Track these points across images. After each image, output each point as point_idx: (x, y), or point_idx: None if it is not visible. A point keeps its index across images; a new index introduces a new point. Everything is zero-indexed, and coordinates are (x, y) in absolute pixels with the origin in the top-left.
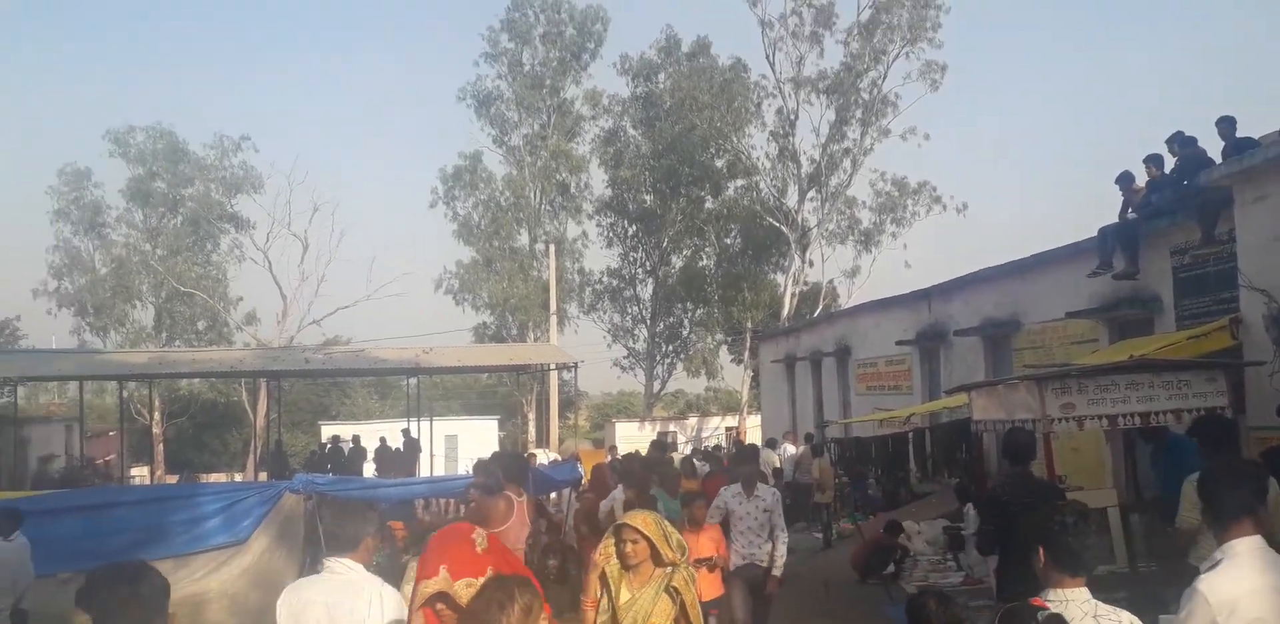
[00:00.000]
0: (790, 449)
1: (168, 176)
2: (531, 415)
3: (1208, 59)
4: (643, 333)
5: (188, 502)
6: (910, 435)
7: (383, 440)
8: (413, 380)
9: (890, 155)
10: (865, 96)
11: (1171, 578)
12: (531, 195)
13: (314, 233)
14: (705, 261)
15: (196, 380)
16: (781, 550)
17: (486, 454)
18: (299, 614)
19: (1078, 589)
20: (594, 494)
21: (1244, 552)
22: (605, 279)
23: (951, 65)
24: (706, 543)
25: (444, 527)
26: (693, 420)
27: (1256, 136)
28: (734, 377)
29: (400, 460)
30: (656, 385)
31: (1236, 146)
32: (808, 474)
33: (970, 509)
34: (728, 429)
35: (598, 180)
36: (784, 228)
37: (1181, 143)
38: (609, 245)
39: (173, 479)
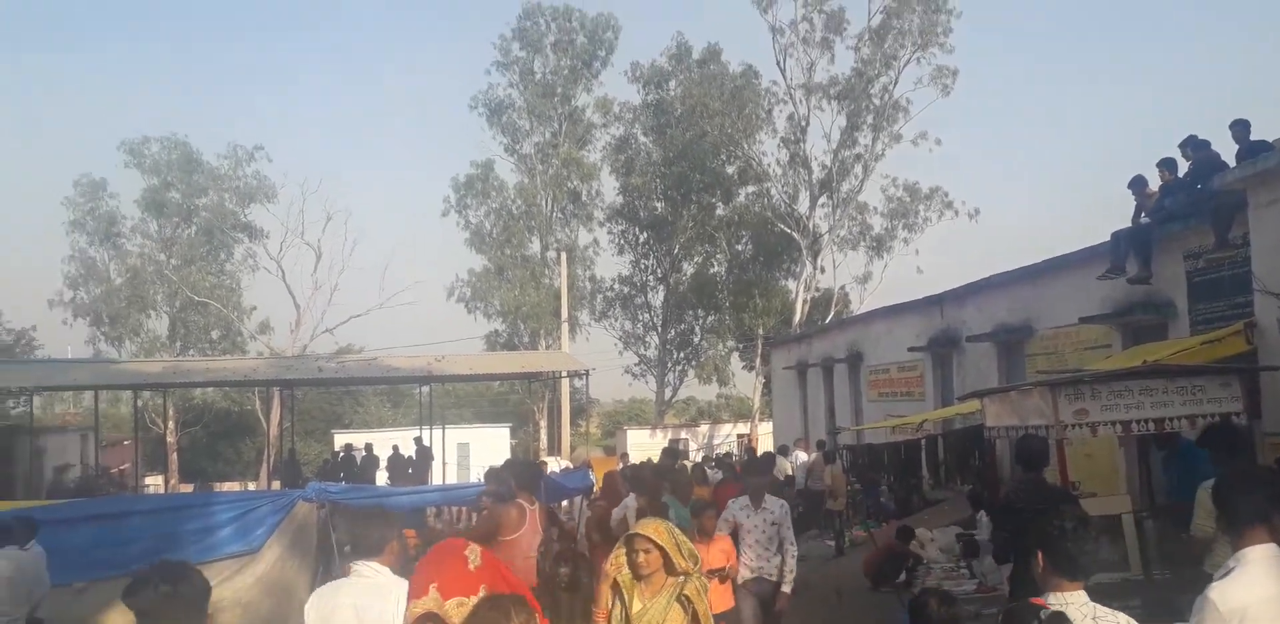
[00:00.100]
0: (802, 456)
1: (182, 187)
2: (543, 423)
3: (1221, 62)
4: (654, 340)
5: (201, 510)
6: (923, 442)
7: (395, 449)
8: (425, 388)
9: (902, 160)
10: (876, 102)
11: (1186, 585)
12: (543, 203)
13: (327, 242)
14: (716, 268)
15: (210, 389)
16: (791, 564)
17: (498, 462)
18: (328, 617)
19: (1076, 593)
20: (606, 502)
21: (1257, 559)
22: (616, 286)
23: (963, 70)
24: (717, 554)
25: (437, 543)
26: (704, 428)
27: (1270, 139)
28: (745, 383)
29: (413, 468)
30: (668, 392)
31: (1250, 150)
32: (820, 481)
33: (983, 516)
34: (739, 436)
35: (609, 188)
36: (795, 234)
37: (1195, 146)
38: (620, 252)
39: (187, 488)
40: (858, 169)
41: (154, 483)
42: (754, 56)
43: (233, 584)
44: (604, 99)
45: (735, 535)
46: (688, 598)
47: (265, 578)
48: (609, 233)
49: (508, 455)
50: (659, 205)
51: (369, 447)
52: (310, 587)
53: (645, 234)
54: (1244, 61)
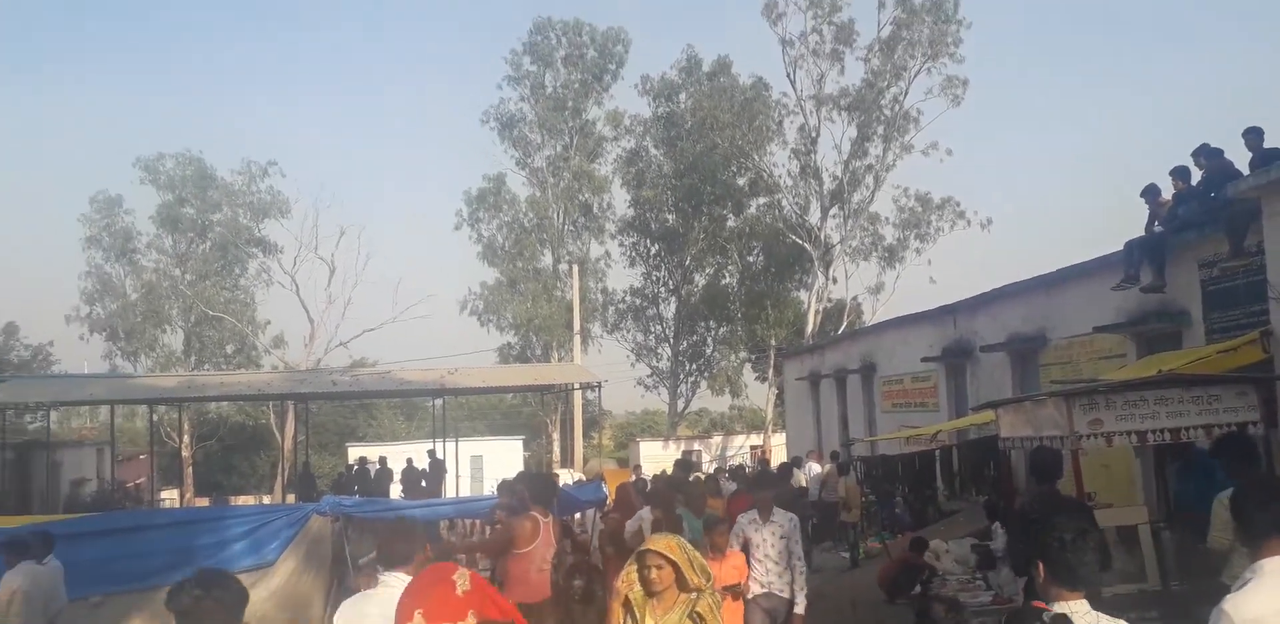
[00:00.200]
0: (815, 468)
1: (197, 202)
2: (556, 435)
3: (1235, 69)
4: (666, 352)
5: (215, 524)
6: (937, 453)
7: (409, 462)
8: (438, 401)
9: (913, 171)
10: (887, 113)
11: (1204, 597)
12: (554, 216)
13: (340, 256)
14: (728, 280)
15: (225, 403)
16: (801, 582)
17: (511, 475)
18: None
19: (1078, 602)
20: (619, 514)
21: (1274, 571)
22: (628, 298)
23: (973, 80)
24: (730, 571)
25: (425, 567)
26: (717, 439)
27: None
28: (758, 395)
29: (426, 481)
30: (680, 404)
31: (1264, 157)
32: (833, 493)
33: (998, 527)
34: (752, 448)
35: (620, 200)
36: (807, 245)
37: (1208, 155)
38: (631, 265)
39: (202, 502)
40: (869, 180)
41: (169, 497)
42: (764, 69)
43: None
44: (615, 112)
45: (745, 550)
46: (700, 615)
47: (280, 592)
48: (620, 245)
49: (521, 468)
50: (670, 217)
51: (383, 460)
52: (325, 600)
53: (657, 246)
54: (1258, 69)
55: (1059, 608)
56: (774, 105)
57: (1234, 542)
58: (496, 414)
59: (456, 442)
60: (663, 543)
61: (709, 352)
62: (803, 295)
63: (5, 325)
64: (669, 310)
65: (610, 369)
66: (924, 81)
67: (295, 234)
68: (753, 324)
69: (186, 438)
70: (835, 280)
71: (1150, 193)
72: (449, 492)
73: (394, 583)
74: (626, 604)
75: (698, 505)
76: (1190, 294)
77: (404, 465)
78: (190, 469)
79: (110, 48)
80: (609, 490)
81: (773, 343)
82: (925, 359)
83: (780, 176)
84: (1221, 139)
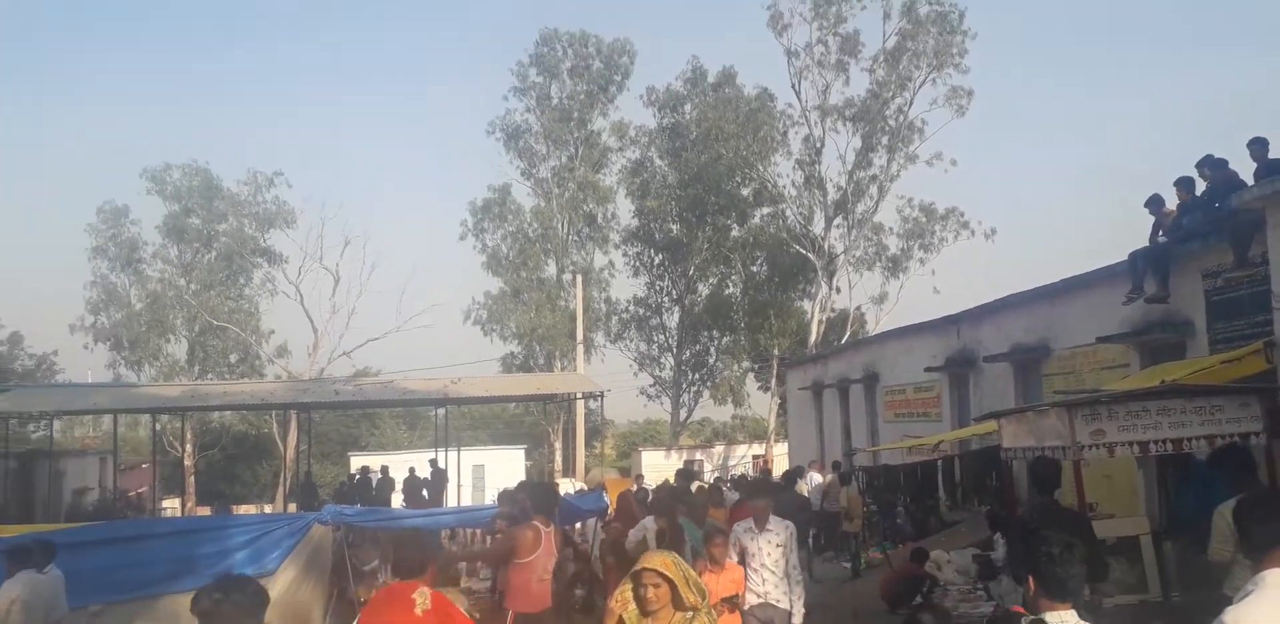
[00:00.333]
0: (817, 478)
1: (203, 213)
2: (558, 444)
3: (1241, 78)
4: (669, 361)
5: (216, 534)
6: (939, 463)
7: (411, 471)
8: (441, 411)
9: (917, 181)
10: (891, 123)
11: (1205, 608)
12: (559, 226)
13: (345, 266)
14: (732, 289)
15: (228, 413)
16: (799, 591)
17: (513, 484)
18: None
19: (1068, 612)
20: (620, 524)
21: (1275, 583)
22: (632, 308)
23: (978, 90)
24: (727, 584)
25: (384, 587)
26: (719, 449)
27: None
28: (761, 404)
29: (428, 490)
30: (683, 413)
31: (1269, 168)
32: (835, 503)
33: (1000, 537)
34: (755, 457)
35: (624, 210)
36: (810, 255)
37: (1212, 165)
38: (635, 274)
39: (204, 511)
40: (873, 190)
41: (171, 506)
42: (769, 79)
43: None
44: (620, 123)
45: (741, 559)
46: None
47: (280, 601)
48: (624, 255)
49: (522, 477)
50: (674, 227)
51: (385, 469)
52: (325, 610)
53: (660, 256)
54: (1262, 77)
55: (1052, 619)
56: (779, 116)
57: (1235, 554)
58: (499, 423)
59: (459, 451)
60: (659, 560)
61: (712, 361)
62: (806, 305)
63: (10, 335)
64: (672, 320)
65: (613, 379)
66: (929, 92)
67: (300, 244)
68: (756, 334)
69: (189, 447)
70: (839, 290)
71: (1154, 203)
72: (451, 501)
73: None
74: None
75: (699, 515)
76: (1194, 304)
77: (406, 475)
78: (192, 478)
79: (118, 58)
80: (610, 500)
81: (776, 352)
82: (928, 369)
83: (784, 187)
84: (1228, 148)
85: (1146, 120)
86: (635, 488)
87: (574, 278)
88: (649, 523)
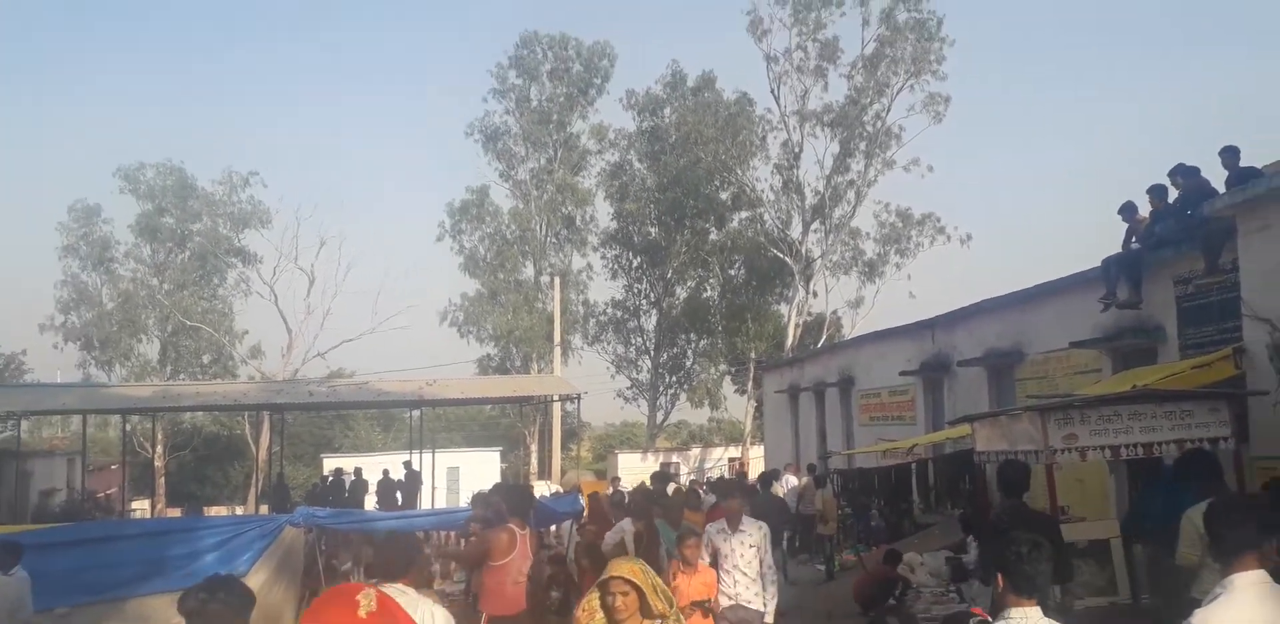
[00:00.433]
0: (793, 480)
1: (176, 212)
2: (534, 447)
3: (1213, 88)
4: (646, 364)
5: (186, 535)
6: (914, 466)
7: (385, 473)
8: (416, 412)
9: (894, 186)
10: (869, 129)
11: (1174, 610)
12: (537, 228)
13: (320, 267)
14: (709, 293)
15: (200, 414)
16: (772, 592)
17: (488, 486)
18: None
19: (1032, 608)
20: (595, 527)
21: (1243, 586)
22: (609, 310)
23: (955, 97)
24: (699, 587)
25: (330, 588)
26: (696, 451)
27: (1259, 166)
28: (737, 407)
29: (402, 493)
30: (660, 416)
31: (1240, 176)
32: (811, 505)
33: (973, 540)
34: (731, 460)
35: (603, 213)
36: (788, 259)
37: (1184, 174)
38: (613, 277)
39: (174, 512)
40: (850, 195)
41: (141, 507)
42: (748, 84)
43: None
44: (599, 126)
45: (714, 560)
46: None
47: None
48: (603, 257)
49: (497, 479)
50: (653, 230)
51: (358, 471)
52: (297, 612)
53: (639, 259)
54: (1250, 82)
55: (1018, 614)
56: (757, 120)
57: (1202, 557)
58: (475, 425)
59: (433, 453)
60: (626, 568)
61: (689, 364)
62: (783, 309)
63: None
64: (650, 323)
65: (590, 381)
66: (906, 98)
67: (275, 244)
68: (733, 337)
69: (160, 448)
70: (815, 294)
71: (1128, 210)
72: (425, 503)
73: (393, 593)
74: None
75: (674, 517)
76: (1165, 310)
77: (380, 477)
78: (163, 479)
79: (92, 56)
80: (586, 502)
81: (752, 356)
82: (903, 373)
83: (763, 191)
84: (1209, 152)
85: (1124, 126)
86: (611, 490)
87: (552, 280)
88: (626, 525)
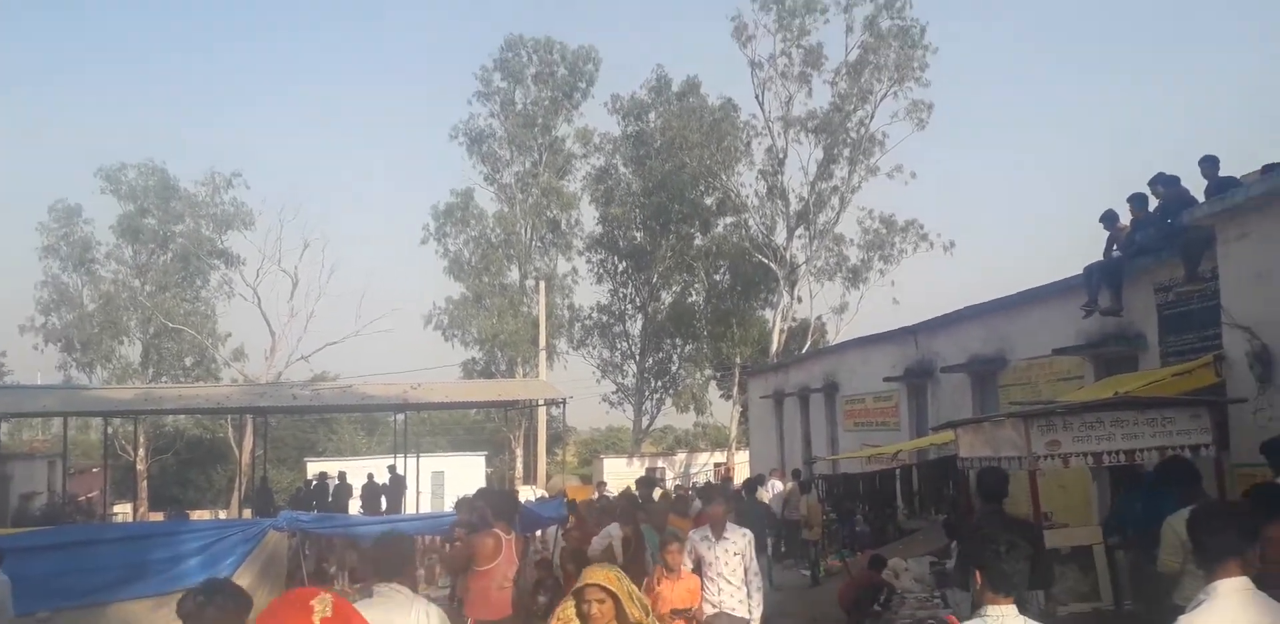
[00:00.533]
0: (778, 485)
1: (158, 213)
2: (519, 451)
3: (1194, 97)
4: (632, 368)
5: (169, 540)
6: (898, 472)
7: (370, 477)
8: (400, 416)
9: (877, 193)
10: (853, 135)
11: (1156, 616)
12: (522, 232)
13: (304, 269)
14: (694, 298)
15: (182, 417)
16: (758, 599)
17: (472, 491)
18: None
19: (1008, 606)
20: (579, 532)
21: (1226, 593)
22: (595, 315)
23: (938, 104)
24: (683, 593)
25: (285, 592)
26: (681, 456)
27: (1238, 175)
28: (723, 412)
29: (386, 497)
30: (645, 421)
31: (1219, 185)
32: (795, 511)
33: (956, 545)
34: (716, 465)
35: (588, 217)
36: (772, 264)
37: (1164, 182)
38: (599, 281)
39: (156, 516)
40: (834, 201)
41: (122, 511)
42: (733, 90)
43: None
44: (584, 130)
45: (698, 567)
46: None
47: None
48: (588, 262)
49: (482, 484)
50: (638, 235)
51: (342, 475)
52: None
53: (624, 263)
54: (1217, 97)
55: (994, 611)
56: (742, 126)
57: (1183, 564)
58: (460, 429)
59: (418, 457)
60: (601, 575)
61: (674, 369)
62: (768, 314)
63: None
64: (635, 327)
65: (575, 385)
66: (890, 105)
67: (259, 246)
68: (718, 342)
69: (142, 451)
70: (800, 300)
71: (1109, 219)
72: (409, 508)
73: (387, 592)
74: None
75: (659, 522)
76: (1147, 318)
77: (364, 481)
78: (145, 483)
79: (73, 55)
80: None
81: (738, 361)
82: (887, 379)
83: (747, 197)
84: (1178, 164)
85: (1106, 134)
86: (597, 495)
87: (537, 284)
88: (614, 530)
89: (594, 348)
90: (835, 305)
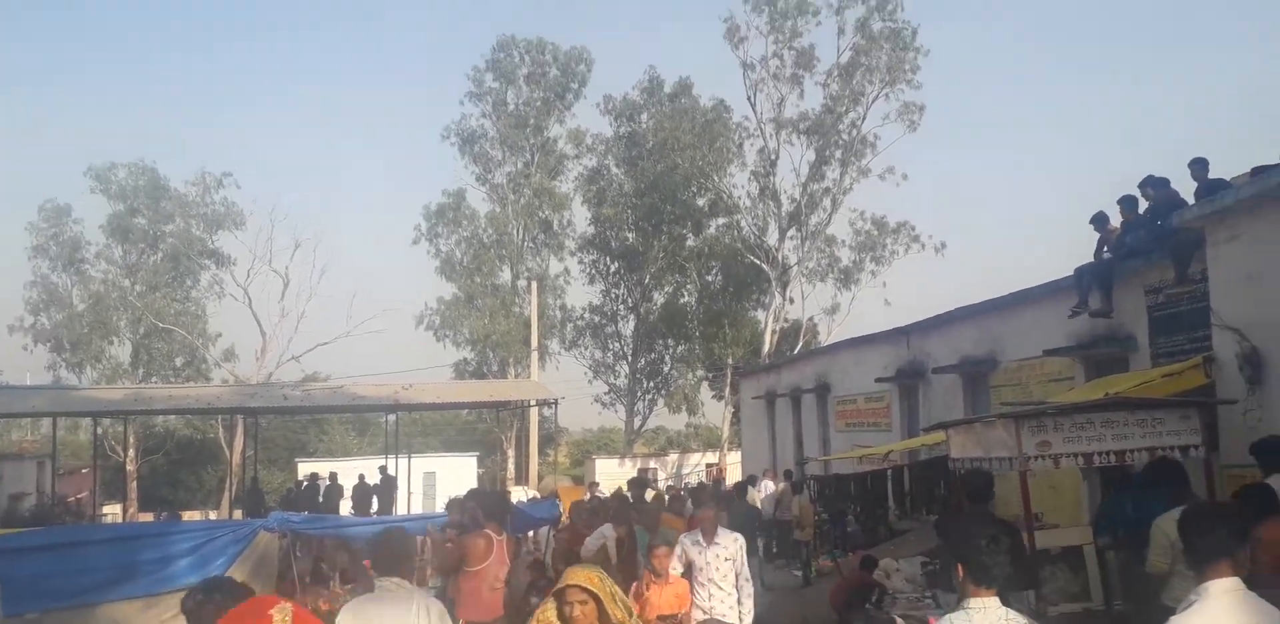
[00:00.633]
0: (770, 486)
1: (149, 213)
2: (511, 452)
3: (1193, 97)
4: (624, 369)
5: (159, 540)
6: (889, 472)
7: (361, 478)
8: (391, 417)
9: (869, 194)
10: (845, 137)
11: (1146, 617)
12: (514, 232)
13: (295, 269)
14: (686, 298)
15: (172, 417)
16: (749, 606)
17: (464, 492)
18: None
19: (991, 598)
20: (570, 533)
21: (1218, 594)
22: (587, 315)
23: (930, 106)
24: (671, 599)
25: (247, 601)
26: (673, 457)
27: (1228, 177)
28: (715, 413)
29: (377, 498)
30: (637, 422)
31: (1209, 188)
32: (787, 511)
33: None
34: (708, 466)
35: (580, 218)
36: (765, 265)
37: (1154, 185)
38: (591, 282)
39: (146, 517)
40: (826, 202)
41: (112, 512)
42: (725, 91)
43: None
44: (576, 130)
45: (688, 572)
46: None
47: None
48: (580, 262)
49: (474, 485)
50: (630, 236)
51: (333, 476)
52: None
53: (616, 264)
54: (1209, 98)
55: (977, 604)
56: (734, 127)
57: (1172, 565)
58: (451, 430)
59: (409, 458)
60: (583, 575)
61: (666, 369)
62: (760, 315)
63: None
64: (627, 328)
65: (567, 386)
66: (881, 107)
67: (249, 246)
68: (710, 343)
69: (132, 452)
70: (792, 301)
71: (1099, 221)
72: (401, 509)
73: (390, 586)
74: None
75: (651, 523)
76: (1137, 319)
77: (355, 481)
78: (135, 484)
79: (64, 54)
80: (564, 508)
81: (730, 362)
82: (879, 380)
83: (739, 198)
84: (1168, 165)
85: (1096, 136)
86: (589, 495)
87: (529, 284)
88: (608, 531)
89: (586, 348)
90: (827, 306)
